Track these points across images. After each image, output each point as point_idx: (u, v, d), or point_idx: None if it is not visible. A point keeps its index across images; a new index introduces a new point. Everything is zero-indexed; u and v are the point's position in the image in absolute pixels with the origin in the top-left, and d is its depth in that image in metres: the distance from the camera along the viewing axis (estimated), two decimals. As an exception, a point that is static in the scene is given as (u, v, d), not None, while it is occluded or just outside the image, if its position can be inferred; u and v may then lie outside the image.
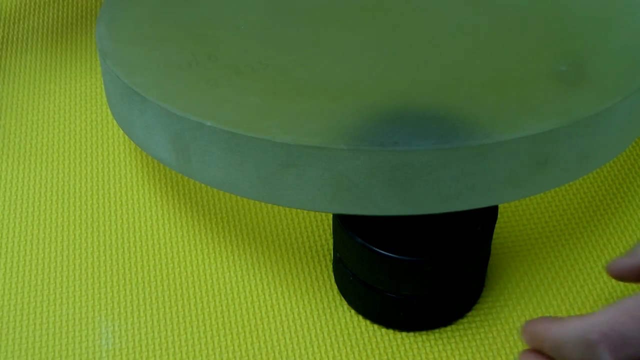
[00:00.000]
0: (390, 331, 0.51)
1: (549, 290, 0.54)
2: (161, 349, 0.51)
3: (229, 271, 0.55)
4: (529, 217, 0.58)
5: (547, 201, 0.59)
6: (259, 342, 0.51)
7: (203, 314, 0.53)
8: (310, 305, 0.53)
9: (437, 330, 0.52)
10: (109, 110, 0.65)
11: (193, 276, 0.55)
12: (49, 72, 0.71)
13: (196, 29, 0.54)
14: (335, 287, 0.54)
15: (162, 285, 0.54)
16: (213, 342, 0.51)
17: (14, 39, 0.75)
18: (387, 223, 0.48)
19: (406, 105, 0.46)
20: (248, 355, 0.50)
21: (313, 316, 0.52)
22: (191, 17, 0.55)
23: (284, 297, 0.53)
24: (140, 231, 0.58)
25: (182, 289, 0.54)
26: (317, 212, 0.58)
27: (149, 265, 0.55)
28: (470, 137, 0.43)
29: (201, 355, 0.50)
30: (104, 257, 0.56)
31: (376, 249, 0.47)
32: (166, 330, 0.52)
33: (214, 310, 0.53)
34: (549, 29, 0.53)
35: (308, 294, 0.54)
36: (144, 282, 0.55)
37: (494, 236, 0.55)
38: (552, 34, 0.52)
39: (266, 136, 0.43)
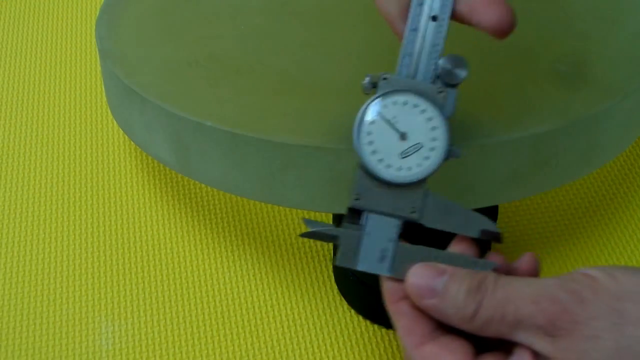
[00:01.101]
0: (391, 331, 0.51)
1: (549, 290, 0.54)
2: (161, 349, 0.51)
3: (229, 271, 0.55)
4: (529, 217, 0.58)
5: (547, 201, 0.59)
6: (259, 342, 0.51)
7: (203, 314, 0.53)
8: (310, 305, 0.53)
9: (437, 330, 0.52)
10: (109, 110, 0.65)
11: (193, 276, 0.55)
12: (49, 72, 0.71)
13: (196, 28, 0.54)
14: (335, 287, 0.54)
15: (162, 285, 0.54)
16: (213, 342, 0.51)
17: (15, 39, 0.75)
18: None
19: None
20: (248, 355, 0.50)
21: (313, 316, 0.52)
22: (191, 17, 0.55)
23: (284, 297, 0.53)
24: (140, 231, 0.58)
25: (182, 289, 0.54)
26: (317, 212, 0.58)
27: (149, 265, 0.55)
28: (470, 137, 0.43)
29: (201, 356, 0.50)
30: (104, 257, 0.56)
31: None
32: (166, 330, 0.52)
33: (214, 310, 0.53)
34: (548, 29, 0.53)
35: (308, 294, 0.54)
36: (144, 282, 0.55)
37: (494, 236, 0.55)
38: (551, 33, 0.52)
39: (266, 136, 0.43)
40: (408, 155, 0.35)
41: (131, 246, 0.57)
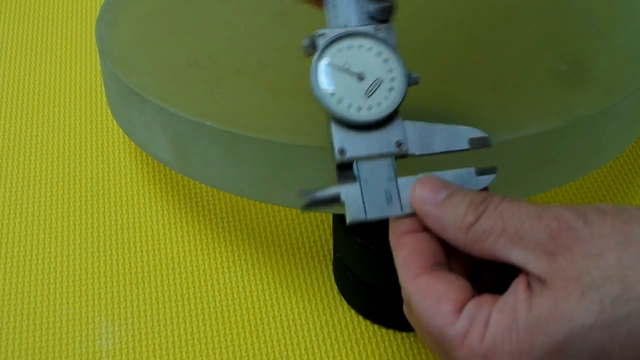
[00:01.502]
0: (390, 331, 0.51)
1: (549, 290, 0.54)
2: (161, 349, 0.51)
3: (229, 271, 0.55)
4: (529, 217, 0.58)
5: (547, 201, 0.59)
6: (259, 342, 0.51)
7: (203, 314, 0.53)
8: (310, 305, 0.53)
9: (437, 330, 0.51)
10: (109, 110, 0.65)
11: (193, 276, 0.55)
12: (49, 72, 0.71)
13: (196, 29, 0.54)
14: (335, 287, 0.54)
15: (162, 285, 0.54)
16: (213, 342, 0.51)
17: (15, 39, 0.75)
18: (387, 223, 0.48)
19: (406, 105, 0.46)
20: (248, 355, 0.50)
21: (313, 316, 0.52)
22: (191, 17, 0.55)
23: (284, 297, 0.53)
24: (140, 231, 0.58)
25: (182, 289, 0.54)
26: (317, 212, 0.58)
27: (149, 265, 0.55)
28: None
29: (201, 356, 0.50)
30: (104, 257, 0.56)
31: (376, 249, 0.47)
32: (166, 330, 0.52)
33: (214, 310, 0.53)
34: (549, 29, 0.53)
35: (308, 294, 0.53)
36: (144, 282, 0.55)
37: (494, 236, 0.55)
38: (552, 33, 0.52)
39: (266, 136, 0.43)
40: (373, 93, 0.35)
41: (131, 246, 0.57)
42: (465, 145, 0.36)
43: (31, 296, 0.54)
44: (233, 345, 0.51)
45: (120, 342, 0.51)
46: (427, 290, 0.32)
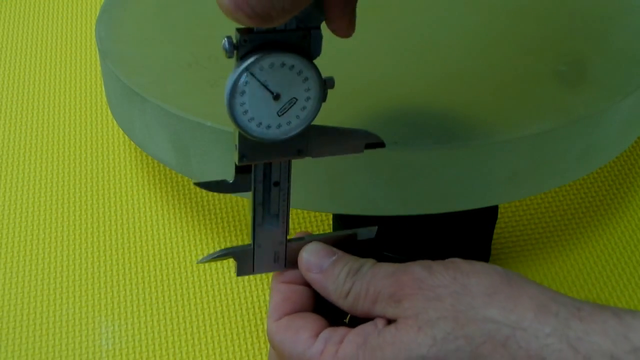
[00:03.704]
0: (390, 331, 0.51)
1: (549, 290, 0.54)
2: (161, 349, 0.51)
3: (229, 271, 0.55)
4: (529, 217, 0.58)
5: (547, 201, 0.59)
6: (259, 342, 0.51)
7: (203, 314, 0.53)
8: (310, 305, 0.53)
9: (437, 330, 0.51)
10: (109, 110, 0.65)
11: (193, 276, 0.55)
12: (49, 72, 0.71)
13: (196, 29, 0.54)
14: (335, 287, 0.54)
15: (162, 285, 0.54)
16: (213, 342, 0.51)
17: (15, 39, 0.75)
18: (387, 223, 0.48)
19: (406, 105, 0.46)
20: (248, 355, 0.50)
21: (313, 316, 0.52)
22: (191, 17, 0.55)
23: (284, 297, 0.53)
24: (140, 231, 0.58)
25: (182, 289, 0.54)
26: (317, 212, 0.58)
27: (149, 265, 0.55)
28: (470, 137, 0.43)
29: (201, 356, 0.50)
30: (104, 257, 0.56)
31: (376, 249, 0.47)
32: (166, 330, 0.52)
33: (214, 310, 0.53)
34: (549, 29, 0.53)
35: (308, 294, 0.53)
36: (144, 282, 0.55)
37: (494, 236, 0.55)
38: (552, 34, 0.52)
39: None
40: (285, 112, 0.35)
41: (131, 246, 0.57)
42: (361, 151, 0.38)
43: (31, 296, 0.54)
44: (233, 345, 0.51)
45: (120, 342, 0.51)
46: (287, 326, 0.38)
